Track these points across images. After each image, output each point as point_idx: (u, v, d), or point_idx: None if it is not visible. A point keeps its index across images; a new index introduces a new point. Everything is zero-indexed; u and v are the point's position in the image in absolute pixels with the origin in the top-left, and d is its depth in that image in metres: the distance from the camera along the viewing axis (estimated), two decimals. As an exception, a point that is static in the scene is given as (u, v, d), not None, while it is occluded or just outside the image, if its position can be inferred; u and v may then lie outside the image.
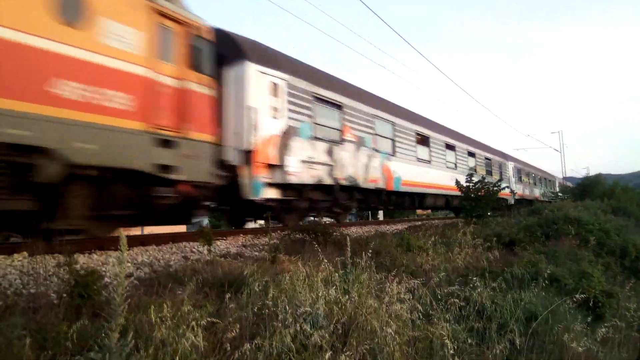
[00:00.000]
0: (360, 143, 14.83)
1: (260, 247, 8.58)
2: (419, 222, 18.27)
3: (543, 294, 5.39)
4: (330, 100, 13.73)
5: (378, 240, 8.48)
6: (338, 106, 14.06)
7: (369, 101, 15.99)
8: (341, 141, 13.95)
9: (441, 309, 4.32)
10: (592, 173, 35.96)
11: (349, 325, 3.66)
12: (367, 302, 3.90)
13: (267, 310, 3.69)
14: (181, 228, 10.98)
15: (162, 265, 6.40)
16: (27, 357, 2.62)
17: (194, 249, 7.97)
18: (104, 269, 5.77)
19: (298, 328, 3.40)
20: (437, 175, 20.50)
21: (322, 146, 12.95)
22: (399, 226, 16.13)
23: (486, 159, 28.36)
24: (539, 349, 4.19)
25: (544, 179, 47.14)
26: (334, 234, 8.84)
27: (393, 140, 17.22)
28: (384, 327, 3.50)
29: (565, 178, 55.46)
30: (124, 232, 2.92)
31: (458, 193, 20.38)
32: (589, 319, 5.10)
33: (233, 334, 3.26)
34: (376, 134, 15.92)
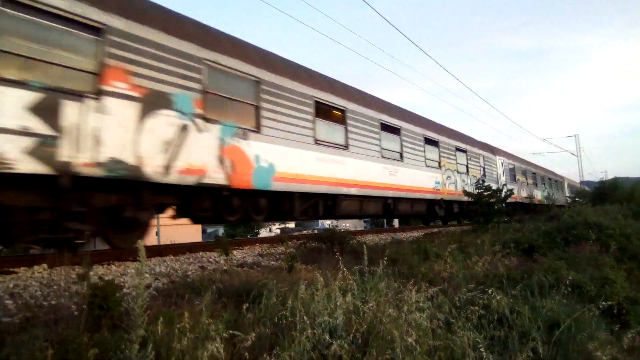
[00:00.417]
0: (154, 102, 8.07)
1: (277, 256, 8.58)
2: (436, 229, 18.13)
3: (564, 301, 5.29)
4: (35, 5, 6.65)
5: (394, 248, 8.43)
6: (82, 25, 7.21)
7: (181, 32, 8.97)
8: (85, 94, 7.06)
9: (461, 318, 4.26)
10: (609, 177, 34.69)
11: (368, 335, 3.63)
12: (386, 311, 3.86)
13: (284, 321, 3.67)
14: (197, 238, 10.89)
15: (180, 275, 6.43)
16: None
17: (210, 259, 8.00)
18: (122, 279, 5.82)
19: (317, 338, 3.38)
20: (363, 168, 13.84)
21: None
22: (415, 233, 16.06)
23: (458, 149, 21.09)
24: (562, 358, 4.10)
25: (548, 179, 40.42)
26: (351, 242, 8.83)
27: (257, 107, 10.44)
28: (404, 337, 3.46)
29: (582, 182, 54.57)
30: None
31: (409, 195, 16.24)
32: (617, 327, 5.00)
33: (250, 343, 3.25)
34: (207, 92, 9.19)
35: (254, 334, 3.36)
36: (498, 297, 4.71)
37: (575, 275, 6.47)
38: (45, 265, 6.38)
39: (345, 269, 4.60)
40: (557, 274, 6.41)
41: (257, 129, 10.32)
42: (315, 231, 18.02)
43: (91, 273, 5.59)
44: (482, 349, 3.62)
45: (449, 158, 19.83)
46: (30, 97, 6.43)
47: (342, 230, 13.87)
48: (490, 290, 4.80)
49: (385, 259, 5.25)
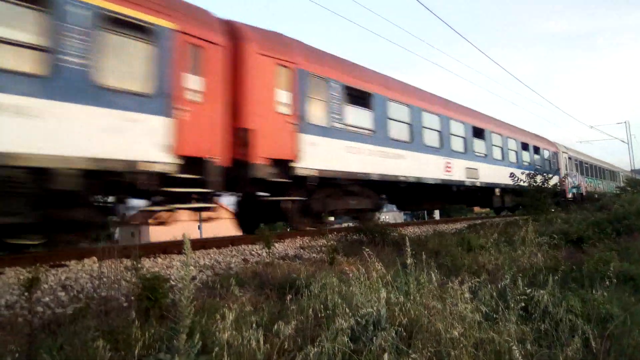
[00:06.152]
0: None
1: (318, 248, 8.60)
2: (479, 221, 17.77)
3: (617, 294, 5.08)
4: None
5: (437, 240, 8.32)
6: None
7: None
8: None
9: (507, 310, 4.14)
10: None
11: (412, 327, 3.58)
12: (429, 303, 3.80)
13: (328, 312, 3.67)
14: (239, 231, 11.13)
15: (223, 267, 6.53)
16: (101, 358, 2.72)
17: (253, 252, 8.09)
18: (168, 272, 5.96)
19: (360, 329, 3.37)
20: None
21: None
22: (458, 225, 15.80)
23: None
24: (616, 352, 3.94)
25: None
26: (392, 234, 8.76)
27: None
28: (449, 330, 3.39)
29: (633, 171, 52.30)
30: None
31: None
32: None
33: (293, 334, 3.26)
34: None
35: (297, 326, 3.37)
36: (547, 289, 4.56)
37: (628, 266, 6.21)
38: (95, 259, 6.60)
39: (386, 261, 4.57)
40: (609, 266, 6.17)
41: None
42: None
43: (139, 265, 5.74)
44: (529, 342, 3.52)
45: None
46: None
47: (383, 222, 13.88)
48: (538, 282, 4.66)
49: (429, 251, 5.19)
